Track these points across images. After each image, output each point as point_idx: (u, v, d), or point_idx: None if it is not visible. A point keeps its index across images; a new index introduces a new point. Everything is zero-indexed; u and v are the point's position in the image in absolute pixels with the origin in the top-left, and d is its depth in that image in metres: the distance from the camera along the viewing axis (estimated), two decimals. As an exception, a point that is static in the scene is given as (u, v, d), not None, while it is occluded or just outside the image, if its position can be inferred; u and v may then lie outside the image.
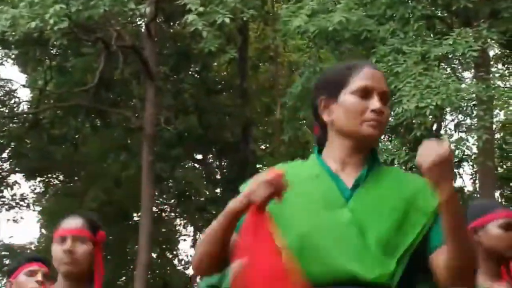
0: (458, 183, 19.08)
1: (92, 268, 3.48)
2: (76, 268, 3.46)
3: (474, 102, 12.54)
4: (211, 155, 21.66)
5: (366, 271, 2.24)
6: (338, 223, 2.30)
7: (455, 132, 18.25)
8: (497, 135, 21.91)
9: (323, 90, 2.51)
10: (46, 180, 21.24)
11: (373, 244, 2.27)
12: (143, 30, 15.64)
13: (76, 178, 20.49)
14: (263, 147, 22.49)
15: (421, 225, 2.34)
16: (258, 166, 21.97)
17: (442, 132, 18.78)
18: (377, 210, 2.32)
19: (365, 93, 2.43)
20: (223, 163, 21.38)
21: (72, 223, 3.52)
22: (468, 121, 14.85)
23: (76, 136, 18.86)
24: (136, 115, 16.51)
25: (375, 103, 2.41)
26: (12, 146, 19.28)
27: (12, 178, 20.57)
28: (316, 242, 2.28)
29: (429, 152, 2.18)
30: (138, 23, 16.79)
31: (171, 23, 18.04)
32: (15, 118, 19.25)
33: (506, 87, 18.27)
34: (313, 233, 2.29)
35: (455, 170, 18.27)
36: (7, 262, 20.36)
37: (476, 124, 13.16)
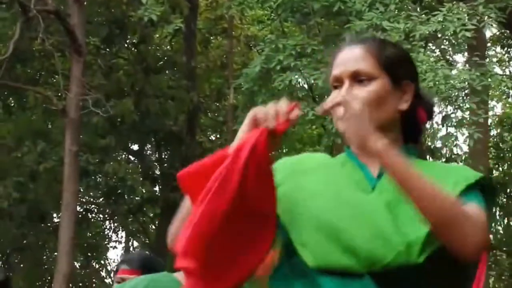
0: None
1: None
2: None
3: (466, 92, 12.58)
4: (149, 146, 21.67)
5: (386, 251, 2.29)
6: (361, 206, 2.37)
7: (443, 126, 18.35)
8: (493, 132, 22.11)
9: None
10: None
11: (397, 220, 2.33)
12: (69, -8, 15.46)
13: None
14: (212, 137, 22.51)
15: (457, 188, 2.39)
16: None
17: (427, 126, 18.92)
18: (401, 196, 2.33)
19: (338, 83, 2.49)
20: (163, 156, 21.37)
21: None
22: (459, 114, 14.90)
23: (-15, 118, 18.68)
24: (59, 95, 16.33)
25: (340, 92, 2.46)
26: None
27: None
28: (333, 224, 2.34)
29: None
30: (64, -17, 16.59)
31: (104, -15, 17.93)
32: None
33: (504, 75, 18.38)
34: (329, 215, 2.35)
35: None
36: None
37: (468, 119, 13.20)
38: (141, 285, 3.76)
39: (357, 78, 2.46)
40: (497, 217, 21.88)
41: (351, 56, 2.51)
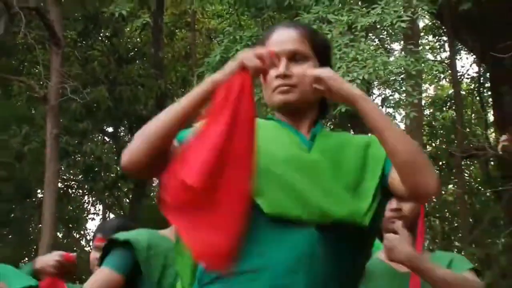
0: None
1: None
2: None
3: (402, 76, 12.63)
4: (122, 128, 21.54)
5: (339, 209, 2.34)
6: (307, 162, 2.42)
7: (383, 107, 18.44)
8: (426, 111, 22.24)
9: None
10: None
11: (343, 184, 2.39)
12: (48, -10, 15.31)
13: (-27, 151, 20.10)
14: (178, 120, 22.46)
15: (380, 169, 2.48)
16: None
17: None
18: (339, 155, 2.46)
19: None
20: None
21: None
22: (396, 96, 15.00)
23: (-27, 106, 18.51)
24: (41, 83, 16.20)
25: (278, 69, 2.49)
26: None
27: None
28: (287, 176, 2.36)
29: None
30: (43, -18, 16.41)
31: (79, -17, 17.77)
32: None
33: (436, 61, 18.47)
34: (283, 169, 2.38)
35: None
36: None
37: (404, 100, 13.27)
38: (144, 237, 3.62)
39: (294, 57, 2.51)
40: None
41: (288, 37, 2.55)
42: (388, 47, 17.21)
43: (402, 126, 16.53)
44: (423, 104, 17.93)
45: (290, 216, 2.31)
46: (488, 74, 17.72)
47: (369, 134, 2.60)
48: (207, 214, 2.18)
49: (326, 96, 2.44)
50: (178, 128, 2.32)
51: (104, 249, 3.65)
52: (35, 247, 18.54)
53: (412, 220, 3.67)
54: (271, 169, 2.35)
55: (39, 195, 19.51)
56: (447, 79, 22.23)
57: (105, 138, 21.93)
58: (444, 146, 22.18)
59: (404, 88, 13.07)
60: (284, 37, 2.55)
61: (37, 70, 17.77)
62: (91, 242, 25.08)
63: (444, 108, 22.55)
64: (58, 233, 20.87)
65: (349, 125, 16.03)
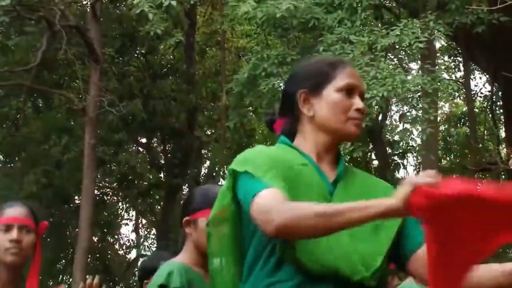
0: (401, 173, 19.24)
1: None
2: (22, 258, 3.40)
3: (419, 94, 12.61)
4: (155, 140, 21.59)
5: (353, 271, 2.27)
6: None
7: (400, 123, 18.41)
8: (442, 127, 22.14)
9: (303, 84, 2.51)
10: (-14, 160, 21.01)
11: (359, 243, 2.31)
12: (88, 10, 15.39)
13: (16, 159, 20.19)
14: (208, 133, 22.44)
15: (397, 226, 2.38)
16: (203, 152, 21.96)
17: (387, 122, 18.90)
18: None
19: (349, 91, 2.47)
20: (167, 148, 21.29)
21: (17, 211, 3.42)
22: (414, 112, 14.96)
23: (18, 117, 18.58)
24: (80, 96, 16.28)
25: (359, 102, 2.47)
26: (-50, 125, 19.04)
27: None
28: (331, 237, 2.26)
29: None
30: (84, 2, 16.54)
31: (117, 4, 17.84)
32: (-46, 97, 18.92)
33: (451, 80, 18.40)
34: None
35: (400, 161, 18.42)
36: None
37: (421, 116, 13.23)
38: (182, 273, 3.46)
39: (362, 96, 2.50)
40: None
41: (359, 77, 2.57)
42: (406, 66, 17.14)
43: (419, 141, 16.46)
44: (438, 120, 17.85)
45: (330, 272, 2.28)
46: (500, 93, 17.62)
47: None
48: None
49: None
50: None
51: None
52: (72, 250, 18.58)
53: None
54: None
55: (77, 201, 19.56)
56: (461, 97, 22.12)
57: (139, 148, 21.98)
58: (458, 160, 22.07)
59: (420, 105, 13.04)
60: (358, 75, 2.55)
61: (76, 84, 17.84)
62: (124, 246, 25.16)
63: (458, 125, 22.46)
64: (94, 237, 20.88)
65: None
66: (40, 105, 19.52)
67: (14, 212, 3.40)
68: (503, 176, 17.79)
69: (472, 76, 20.75)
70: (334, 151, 2.52)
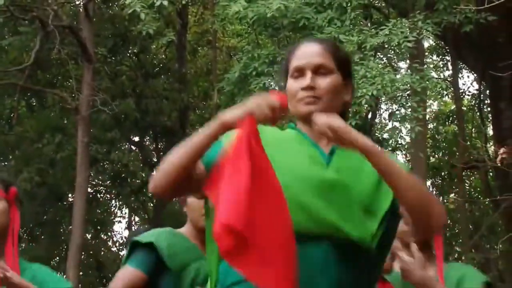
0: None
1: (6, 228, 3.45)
2: None
3: (408, 93, 12.61)
4: (147, 138, 21.58)
5: (352, 229, 2.30)
6: (325, 181, 2.36)
7: (389, 121, 18.42)
8: (430, 125, 22.17)
9: (281, 80, 2.63)
10: (-19, 158, 20.96)
11: (356, 205, 2.34)
12: (81, 10, 15.36)
13: (10, 157, 20.15)
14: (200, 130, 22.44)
15: (392, 194, 2.39)
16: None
17: (376, 121, 18.91)
18: (356, 174, 2.39)
19: (298, 73, 2.51)
20: (159, 146, 21.29)
21: None
22: (403, 111, 14.93)
23: (11, 115, 18.55)
24: (73, 96, 16.25)
25: (303, 80, 2.48)
26: None
27: None
28: (304, 195, 2.32)
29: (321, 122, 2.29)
30: (76, 3, 16.50)
31: (109, 4, 17.80)
32: (-51, 96, 18.90)
33: (439, 78, 18.41)
34: (300, 187, 2.33)
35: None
36: None
37: (410, 115, 13.22)
38: (163, 236, 3.60)
39: (319, 70, 2.49)
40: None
41: (313, 52, 2.53)
42: (395, 65, 17.16)
43: (408, 139, 16.47)
44: (427, 118, 17.86)
45: (303, 231, 2.29)
46: (487, 91, 17.63)
47: None
48: (260, 251, 2.16)
49: (336, 144, 2.37)
50: (192, 162, 2.35)
51: (128, 250, 3.64)
52: (65, 247, 18.55)
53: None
54: (289, 186, 2.31)
55: (70, 199, 19.54)
56: (450, 96, 22.17)
57: (132, 147, 21.96)
58: (446, 158, 22.13)
59: (409, 104, 13.03)
60: (309, 51, 2.53)
61: (69, 84, 17.82)
62: (117, 243, 25.13)
63: (447, 123, 22.50)
64: (87, 234, 20.88)
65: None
66: (34, 104, 19.51)
67: None
68: (490, 173, 17.84)
69: (460, 75, 20.77)
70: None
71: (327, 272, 2.30)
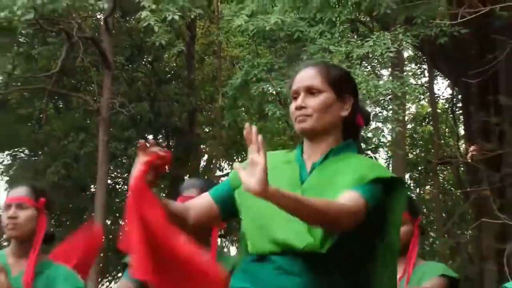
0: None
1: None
2: (19, 232, 3.39)
3: (389, 97, 12.58)
4: (160, 137, 21.52)
5: (298, 240, 2.26)
6: None
7: (373, 122, 18.31)
8: (409, 126, 22.15)
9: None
10: (13, 153, 20.90)
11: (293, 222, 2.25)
12: (102, 23, 15.32)
13: (39, 153, 20.13)
14: (206, 130, 22.38)
15: (348, 180, 2.35)
16: (201, 147, 21.91)
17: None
18: (324, 189, 2.33)
19: (295, 96, 2.51)
20: (171, 144, 21.24)
21: (16, 192, 3.44)
22: (385, 113, 14.93)
23: (41, 116, 18.51)
24: (94, 99, 16.24)
25: (295, 103, 2.49)
26: (-17, 123, 18.99)
27: (-18, 151, 20.30)
28: (264, 220, 2.33)
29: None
30: (98, 17, 16.46)
31: (127, 18, 17.78)
32: (-15, 99, 18.89)
33: (417, 84, 18.36)
34: (263, 213, 2.32)
35: (373, 155, 18.40)
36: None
37: (391, 116, 13.21)
38: None
39: (310, 91, 2.48)
40: (412, 188, 21.94)
41: (306, 76, 2.53)
42: (378, 73, 17.12)
43: (389, 137, 16.42)
44: (406, 120, 17.82)
45: (267, 253, 2.32)
46: (459, 96, 17.61)
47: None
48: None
49: None
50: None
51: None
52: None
53: (405, 241, 3.48)
54: (253, 211, 2.37)
55: (92, 190, 19.49)
56: (426, 100, 22.10)
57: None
58: (423, 154, 22.10)
59: (391, 107, 13.03)
60: (303, 76, 2.53)
61: (91, 88, 17.78)
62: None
63: (423, 124, 22.47)
64: (107, 221, 20.83)
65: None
66: (60, 106, 19.51)
67: (13, 193, 3.43)
68: (462, 168, 17.80)
69: (435, 82, 20.72)
70: (319, 147, 2.50)
71: (293, 284, 2.30)
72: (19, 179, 16.90)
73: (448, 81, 19.63)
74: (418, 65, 21.63)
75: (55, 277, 3.41)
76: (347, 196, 2.25)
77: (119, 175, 21.94)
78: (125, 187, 23.26)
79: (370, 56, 13.08)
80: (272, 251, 2.31)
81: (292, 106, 2.50)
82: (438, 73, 19.40)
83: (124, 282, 3.58)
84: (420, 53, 18.50)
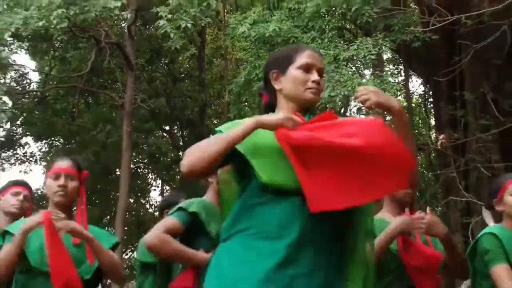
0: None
1: (75, 199, 3.45)
2: (67, 199, 3.41)
3: (371, 93, 12.55)
4: (175, 128, 21.58)
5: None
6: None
7: (357, 115, 18.33)
8: (387, 118, 22.14)
9: (274, 65, 2.53)
10: (50, 142, 20.99)
11: None
12: (125, 31, 15.33)
13: (72, 141, 20.19)
14: (215, 122, 22.41)
15: None
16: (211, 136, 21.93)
17: (347, 114, 18.86)
18: None
19: (307, 68, 2.48)
20: (184, 134, 21.29)
21: (64, 163, 3.45)
22: (367, 107, 14.88)
23: (73, 110, 18.58)
24: (119, 95, 16.26)
25: (315, 76, 2.46)
26: (24, 116, 19.05)
27: (24, 140, 20.36)
28: (275, 166, 2.29)
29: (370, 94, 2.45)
30: (122, 25, 16.44)
31: (147, 26, 17.76)
32: (27, 95, 18.94)
33: (395, 82, 18.38)
34: (273, 160, 2.30)
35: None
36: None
37: (372, 110, 13.21)
38: (201, 204, 3.52)
39: (320, 72, 2.49)
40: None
41: (319, 57, 2.54)
42: (362, 72, 17.13)
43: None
44: (385, 112, 17.83)
45: (281, 183, 2.29)
46: (431, 92, 17.63)
47: None
48: None
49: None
50: (227, 151, 2.28)
51: (174, 210, 3.58)
52: (114, 209, 18.61)
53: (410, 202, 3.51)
54: (268, 154, 2.32)
55: (117, 173, 19.57)
56: (402, 96, 22.12)
57: (164, 134, 21.98)
58: (399, 142, 22.10)
59: (372, 101, 13.00)
60: (317, 56, 2.53)
61: (117, 86, 17.81)
62: (152, 206, 25.14)
63: (400, 116, 22.44)
64: (130, 200, 20.91)
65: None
66: (90, 102, 19.56)
67: (61, 164, 3.43)
68: (432, 154, 17.84)
69: (410, 80, 20.75)
70: (304, 114, 2.49)
71: (298, 219, 2.28)
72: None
73: (421, 79, 19.65)
74: (396, 66, 21.64)
75: (98, 235, 3.44)
76: None
77: (140, 160, 22.03)
78: (146, 171, 23.37)
79: (355, 58, 13.09)
80: (287, 183, 2.28)
81: (305, 76, 2.47)
82: (413, 72, 19.42)
83: (172, 219, 3.44)
84: (397, 55, 18.50)
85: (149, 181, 24.59)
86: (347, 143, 2.20)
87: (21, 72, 18.84)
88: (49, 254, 3.18)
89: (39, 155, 21.05)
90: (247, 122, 2.27)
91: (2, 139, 19.70)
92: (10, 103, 15.64)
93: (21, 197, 4.09)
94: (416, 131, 19.85)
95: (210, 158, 2.27)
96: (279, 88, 2.51)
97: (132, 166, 18.63)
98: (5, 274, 3.23)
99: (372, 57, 12.11)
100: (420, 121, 21.89)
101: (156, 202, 25.50)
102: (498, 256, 3.26)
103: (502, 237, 3.33)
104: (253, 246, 2.27)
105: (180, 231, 3.42)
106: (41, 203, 15.52)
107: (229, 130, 2.35)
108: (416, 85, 21.76)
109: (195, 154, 2.31)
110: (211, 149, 2.28)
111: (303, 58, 2.49)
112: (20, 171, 21.33)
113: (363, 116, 16.89)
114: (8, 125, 18.96)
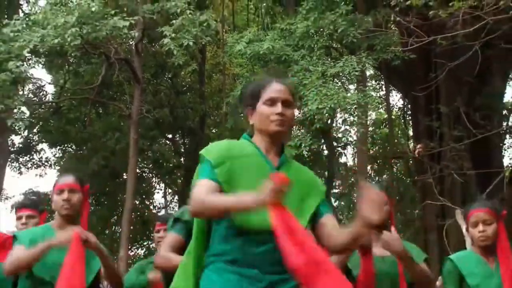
0: (343, 160, 19.28)
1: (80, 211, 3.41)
2: (72, 212, 3.38)
3: (355, 106, 12.62)
4: (178, 135, 21.56)
5: (260, 221, 2.23)
6: None
7: (342, 125, 18.37)
8: (370, 128, 22.20)
9: (247, 102, 2.49)
10: (63, 148, 20.91)
11: (292, 207, 2.24)
12: (133, 48, 15.33)
13: (84, 148, 20.14)
14: (213, 131, 22.40)
15: (318, 199, 2.43)
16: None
17: (334, 125, 18.89)
18: (294, 185, 2.21)
19: (271, 102, 2.41)
20: (185, 142, 21.27)
21: (67, 179, 3.43)
22: (351, 118, 14.94)
23: (85, 119, 18.56)
24: (127, 106, 16.25)
25: (278, 108, 2.41)
26: (40, 124, 18.99)
27: (40, 146, 20.28)
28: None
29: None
30: (130, 43, 16.41)
31: (153, 44, 17.75)
32: (43, 105, 18.90)
33: (377, 96, 18.42)
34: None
35: (342, 151, 18.42)
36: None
37: (356, 120, 13.25)
38: (183, 209, 3.49)
39: (286, 103, 2.43)
40: (373, 177, 21.97)
41: (283, 89, 2.47)
42: (347, 87, 17.13)
43: (355, 137, 16.43)
44: (368, 124, 17.85)
45: (250, 227, 2.29)
46: (409, 106, 17.67)
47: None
48: None
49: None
50: (224, 215, 2.27)
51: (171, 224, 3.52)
52: (121, 210, 18.55)
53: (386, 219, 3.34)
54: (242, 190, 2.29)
55: (124, 177, 19.52)
56: (384, 108, 22.15)
57: (167, 141, 21.95)
58: (381, 151, 22.15)
59: (356, 113, 13.05)
60: (281, 88, 2.46)
61: (125, 98, 17.79)
62: (156, 207, 25.08)
63: (381, 127, 22.51)
64: (136, 201, 20.84)
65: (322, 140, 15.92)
66: (100, 112, 19.53)
67: (65, 180, 3.41)
68: (410, 161, 17.88)
69: (391, 94, 20.78)
70: (277, 146, 2.47)
71: (266, 252, 2.30)
72: (68, 169, 16.92)
73: (401, 94, 19.70)
74: (377, 81, 21.66)
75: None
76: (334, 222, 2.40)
77: (145, 165, 21.98)
78: (150, 175, 23.31)
79: (341, 74, 13.11)
80: (260, 229, 2.26)
81: (269, 109, 2.42)
82: (393, 88, 19.46)
83: (173, 235, 3.40)
84: (379, 72, 18.56)
85: (153, 184, 24.51)
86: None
87: (38, 85, 18.86)
88: (65, 271, 3.07)
89: (53, 160, 21.01)
90: (247, 201, 2.15)
91: (20, 145, 19.67)
92: (27, 113, 15.62)
93: (23, 220, 4.25)
94: (396, 140, 19.88)
95: (211, 212, 2.26)
96: (251, 123, 2.48)
97: (137, 170, 18.59)
98: (14, 273, 3.21)
99: (356, 73, 12.15)
100: (399, 131, 21.95)
101: (160, 204, 25.48)
102: (449, 280, 3.44)
103: (463, 261, 3.43)
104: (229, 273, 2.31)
105: (183, 242, 3.37)
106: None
107: (210, 155, 2.36)
108: (396, 99, 21.80)
109: (203, 202, 2.26)
110: (214, 205, 2.23)
111: (267, 93, 2.44)
112: (36, 175, 21.13)
113: (347, 127, 16.89)
114: (25, 133, 18.92)
